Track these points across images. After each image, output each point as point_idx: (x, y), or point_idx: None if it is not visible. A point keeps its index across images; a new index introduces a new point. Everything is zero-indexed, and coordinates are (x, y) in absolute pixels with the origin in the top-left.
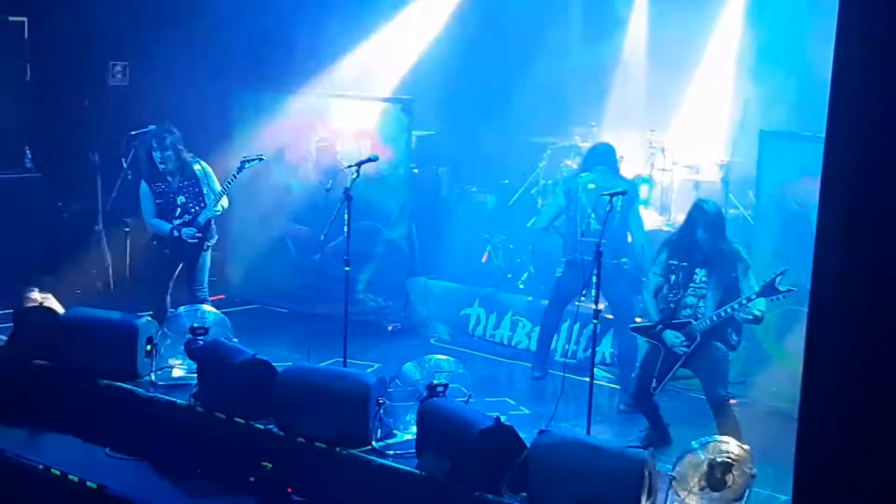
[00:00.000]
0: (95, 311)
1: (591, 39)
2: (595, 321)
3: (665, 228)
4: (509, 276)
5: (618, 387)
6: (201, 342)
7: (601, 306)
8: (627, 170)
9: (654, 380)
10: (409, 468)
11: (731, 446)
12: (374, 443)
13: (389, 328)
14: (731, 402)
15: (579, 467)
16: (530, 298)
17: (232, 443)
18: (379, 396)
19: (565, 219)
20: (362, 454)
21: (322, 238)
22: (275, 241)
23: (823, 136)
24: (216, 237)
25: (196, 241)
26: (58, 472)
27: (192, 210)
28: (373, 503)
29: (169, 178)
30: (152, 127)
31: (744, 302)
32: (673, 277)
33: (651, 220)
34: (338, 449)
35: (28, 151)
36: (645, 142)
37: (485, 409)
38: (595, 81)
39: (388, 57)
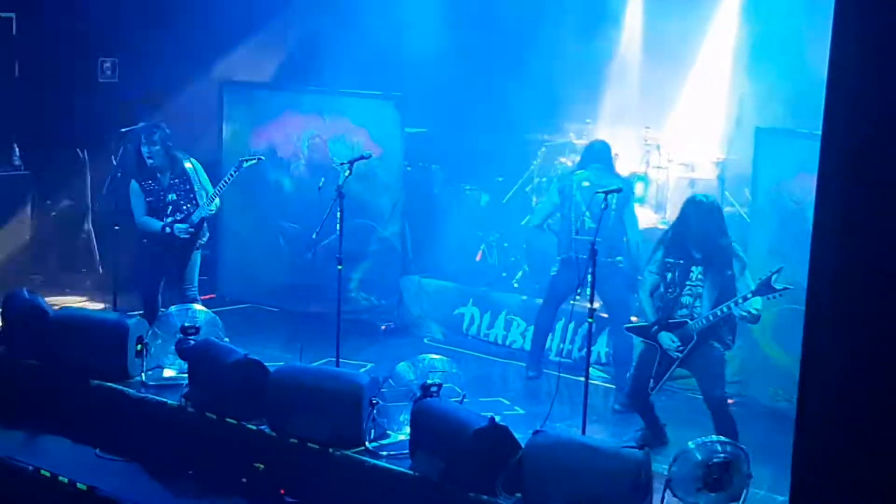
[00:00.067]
0: (85, 311)
1: (586, 35)
2: (590, 320)
3: (660, 227)
4: (503, 274)
5: (613, 386)
6: (192, 342)
7: (596, 305)
8: (622, 167)
9: (652, 380)
10: (402, 469)
11: (728, 446)
12: (367, 443)
13: (382, 327)
14: (728, 401)
15: (574, 468)
16: (525, 297)
17: (224, 444)
18: (372, 396)
19: (560, 217)
20: (355, 455)
21: (314, 236)
22: (266, 239)
23: (820, 132)
24: (208, 235)
25: (188, 236)
26: (48, 474)
27: (184, 208)
28: None
29: (159, 176)
30: (142, 124)
31: (740, 301)
32: (669, 276)
33: (646, 218)
34: (331, 450)
35: (17, 149)
36: (640, 139)
37: (479, 409)
38: (590, 78)
39: (380, 52)
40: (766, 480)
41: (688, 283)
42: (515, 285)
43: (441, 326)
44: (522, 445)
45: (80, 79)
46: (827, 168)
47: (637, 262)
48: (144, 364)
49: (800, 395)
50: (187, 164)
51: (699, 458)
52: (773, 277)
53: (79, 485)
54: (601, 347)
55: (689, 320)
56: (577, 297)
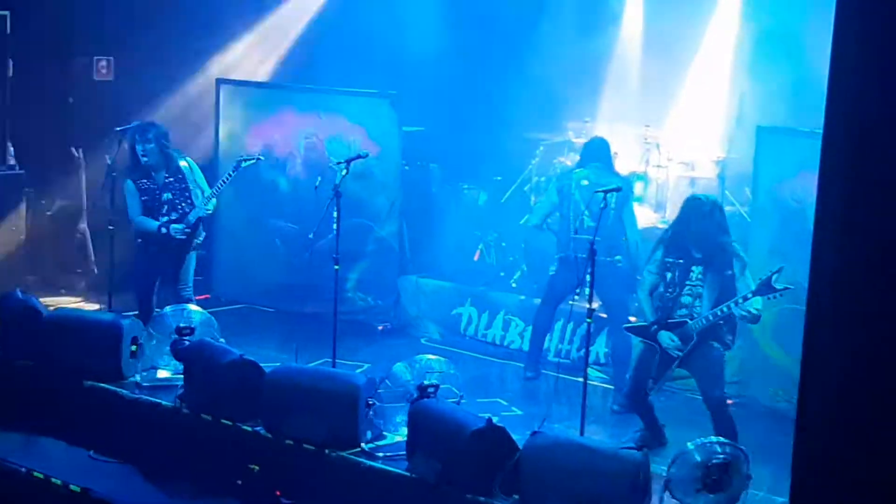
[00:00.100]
0: (79, 311)
1: (585, 33)
2: (589, 320)
3: (660, 226)
4: (502, 274)
5: (612, 387)
6: (187, 342)
7: (595, 305)
8: (622, 166)
9: (651, 380)
10: (399, 470)
11: (728, 447)
12: (363, 445)
13: (379, 328)
14: (728, 402)
15: (573, 469)
16: (523, 297)
17: (219, 445)
18: (369, 397)
19: (559, 216)
20: (352, 456)
21: (311, 236)
22: (262, 239)
23: (821, 131)
24: (204, 235)
25: (184, 236)
26: (41, 476)
27: (179, 207)
28: None
29: (154, 174)
30: (136, 122)
31: (740, 301)
32: (669, 275)
33: (646, 217)
34: (327, 451)
35: (11, 148)
36: (640, 137)
37: (476, 409)
38: (589, 76)
39: (376, 50)
40: (765, 481)
41: (687, 282)
42: (513, 285)
43: (438, 327)
44: (520, 447)
45: (75, 77)
46: (828, 167)
47: (636, 261)
48: (139, 365)
49: (800, 395)
50: (182, 163)
51: (698, 459)
52: (774, 277)
53: (72, 486)
54: (600, 348)
55: (688, 320)
56: (576, 297)
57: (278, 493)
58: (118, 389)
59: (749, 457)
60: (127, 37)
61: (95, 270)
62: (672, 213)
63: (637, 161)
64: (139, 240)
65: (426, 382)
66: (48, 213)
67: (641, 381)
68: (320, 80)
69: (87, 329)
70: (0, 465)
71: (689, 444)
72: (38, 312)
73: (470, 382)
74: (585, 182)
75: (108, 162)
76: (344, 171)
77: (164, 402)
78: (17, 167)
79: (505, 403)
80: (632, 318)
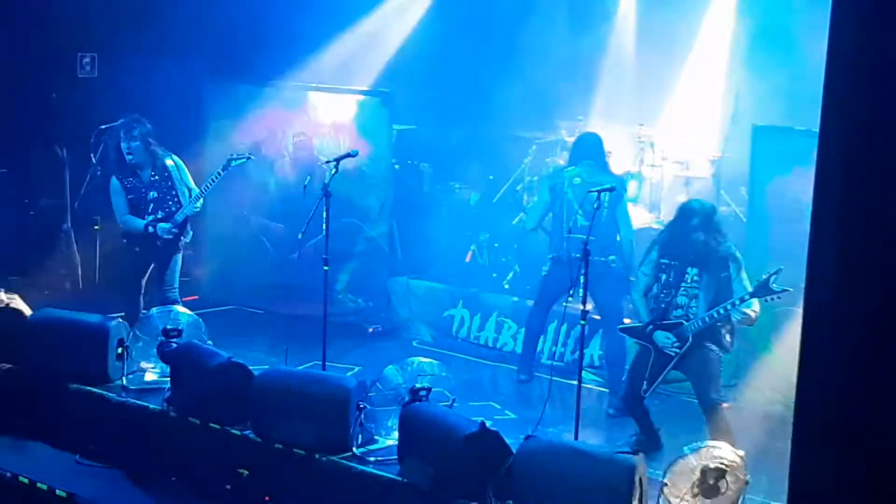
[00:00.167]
0: (64, 313)
1: (578, 30)
2: (583, 322)
3: (655, 226)
4: (494, 275)
5: (606, 390)
6: (174, 345)
7: (589, 307)
8: (616, 165)
9: (645, 382)
10: (390, 475)
11: (724, 451)
12: (354, 449)
13: (370, 330)
14: (724, 405)
15: (567, 473)
16: (516, 299)
17: (207, 449)
18: (359, 401)
19: (551, 215)
20: (342, 461)
21: (300, 236)
22: (250, 239)
23: (818, 130)
24: (191, 235)
25: (171, 236)
26: (26, 481)
27: (166, 206)
28: None
29: (139, 172)
30: (121, 120)
31: (737, 302)
32: (664, 276)
33: (640, 217)
34: (317, 455)
35: None
36: (633, 136)
37: (469, 413)
38: (582, 74)
39: (366, 48)
40: (762, 486)
41: (683, 284)
42: (506, 286)
43: (430, 329)
44: (514, 451)
45: (58, 74)
46: (825, 166)
47: (630, 261)
48: (125, 367)
49: (797, 398)
50: (169, 161)
51: (694, 463)
52: (772, 279)
53: (58, 492)
54: (594, 350)
55: (684, 321)
56: (570, 299)
57: (267, 498)
58: (104, 393)
59: (746, 461)
60: (111, 33)
61: (80, 270)
62: (667, 212)
63: (631, 160)
64: (125, 240)
65: (418, 385)
66: (31, 212)
67: (637, 384)
68: (309, 78)
69: (71, 331)
70: None
71: (685, 448)
72: (21, 314)
73: (462, 385)
74: (578, 180)
75: (93, 160)
76: (333, 171)
77: (151, 406)
78: (0, 166)
79: (498, 407)
80: (626, 320)
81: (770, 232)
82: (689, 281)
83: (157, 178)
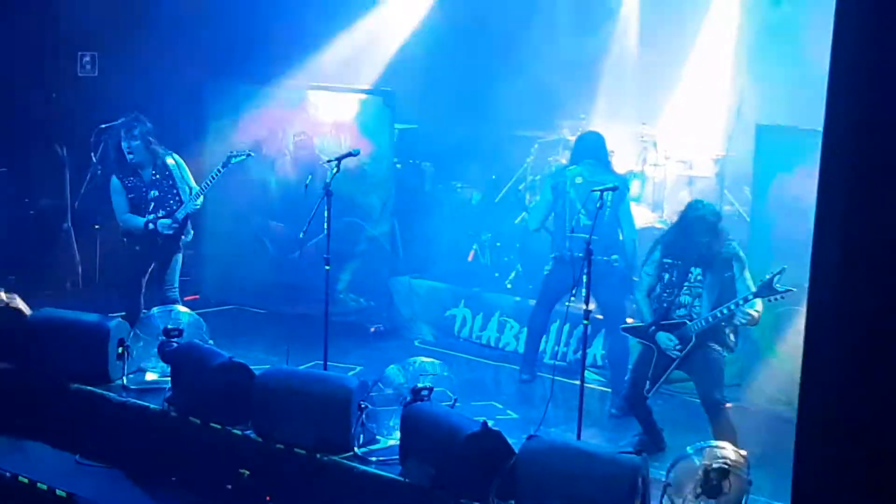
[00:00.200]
0: (64, 313)
1: (580, 29)
2: (585, 322)
3: (658, 226)
4: (496, 275)
5: (609, 390)
6: (175, 344)
7: (591, 306)
8: (618, 165)
9: (648, 382)
10: (392, 475)
11: (728, 452)
12: (356, 449)
13: (372, 329)
14: (727, 405)
15: (569, 474)
16: (518, 298)
17: (208, 449)
18: (361, 400)
19: (553, 215)
20: (344, 461)
21: (301, 236)
22: (251, 238)
23: (822, 129)
24: (192, 234)
25: (172, 231)
26: (26, 480)
27: (167, 205)
28: None
29: (140, 172)
30: (122, 119)
31: (740, 302)
32: (667, 276)
33: (643, 217)
34: (318, 455)
35: None
36: (636, 135)
37: (471, 413)
38: (584, 73)
39: (368, 47)
40: (766, 487)
41: (686, 283)
42: (508, 286)
43: (432, 328)
44: (516, 451)
45: (58, 73)
46: (829, 166)
47: (632, 260)
48: (126, 367)
49: (801, 398)
50: (169, 160)
51: (697, 463)
52: (775, 279)
53: (58, 492)
54: (597, 350)
55: (687, 321)
56: (573, 298)
57: (268, 498)
58: (105, 392)
59: (749, 461)
60: (111, 32)
61: (80, 270)
62: (670, 212)
63: (634, 159)
64: (125, 239)
65: (420, 385)
66: (31, 211)
67: (640, 384)
68: (310, 77)
69: (72, 331)
70: None
71: (688, 448)
72: (21, 313)
73: (464, 385)
74: (580, 180)
75: (93, 160)
76: (335, 170)
77: (151, 406)
78: (0, 165)
79: (500, 407)
80: (629, 320)
81: (773, 231)
82: (692, 280)
83: (157, 176)
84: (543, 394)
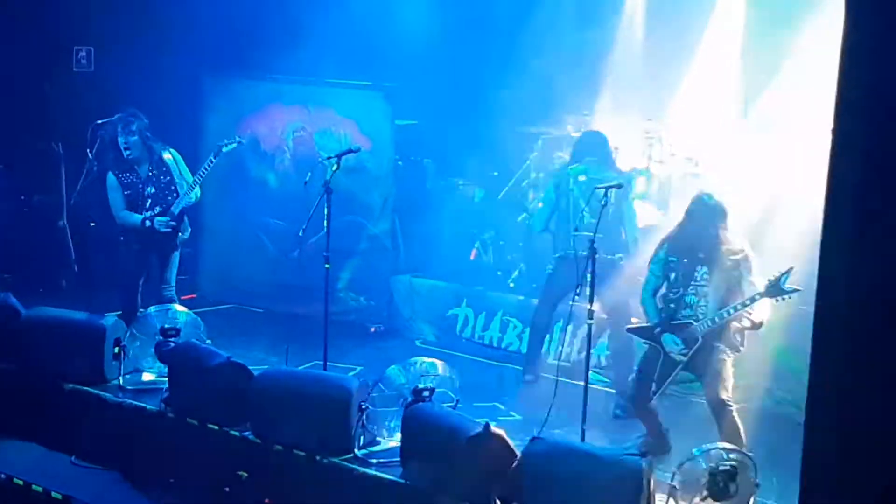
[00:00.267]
0: (60, 311)
1: (585, 23)
2: (590, 321)
3: (663, 224)
4: (499, 273)
5: (613, 391)
6: (172, 344)
7: (596, 306)
8: (623, 161)
9: (654, 383)
10: (393, 477)
11: (734, 454)
12: (356, 451)
13: (372, 329)
14: (734, 406)
15: (573, 476)
16: (521, 298)
17: (206, 451)
18: (361, 401)
19: (556, 214)
20: (344, 463)
21: (300, 234)
22: (250, 237)
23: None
24: (189, 231)
25: (170, 230)
26: (21, 482)
27: (164, 201)
28: None
29: (136, 168)
30: (119, 115)
31: (748, 302)
32: (672, 275)
33: (649, 215)
34: (318, 457)
35: None
36: (641, 131)
37: (473, 414)
38: (589, 68)
39: (368, 42)
40: (773, 489)
41: (692, 282)
42: (511, 285)
43: (433, 328)
44: (519, 453)
45: (53, 68)
46: (838, 163)
47: (635, 259)
48: (122, 367)
49: (809, 400)
50: (166, 155)
51: (704, 465)
52: (783, 279)
53: (53, 494)
54: (601, 350)
55: (693, 321)
56: (577, 297)
57: (267, 500)
58: (101, 393)
59: (756, 463)
60: (107, 26)
61: (76, 268)
62: (675, 210)
63: (639, 156)
64: (122, 236)
65: (421, 386)
66: (26, 208)
67: (645, 385)
68: (309, 72)
69: (67, 330)
70: None
71: (694, 450)
72: (16, 312)
73: (466, 386)
74: (583, 178)
75: (89, 156)
76: (335, 167)
77: (148, 406)
78: None
79: (503, 408)
80: (634, 320)
81: (781, 230)
82: (698, 280)
83: (154, 172)
84: (547, 395)
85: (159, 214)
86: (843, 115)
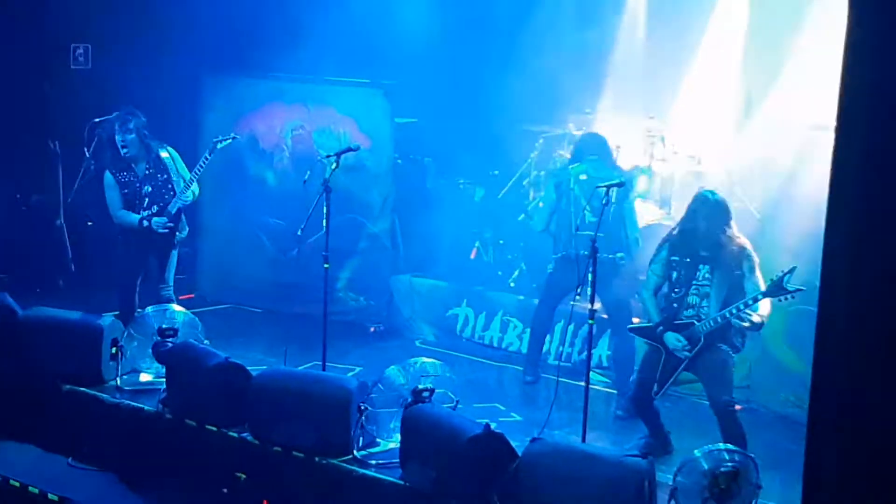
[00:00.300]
0: (56, 311)
1: (587, 21)
2: (591, 322)
3: (665, 223)
4: (499, 273)
5: (615, 391)
6: (170, 344)
7: (597, 306)
8: (625, 160)
9: (656, 384)
10: (392, 479)
11: (736, 455)
12: (355, 452)
13: (372, 329)
14: (736, 407)
15: (574, 477)
16: (522, 297)
17: (203, 452)
18: (360, 402)
19: (557, 214)
20: (343, 464)
21: (299, 233)
22: (249, 236)
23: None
24: (187, 230)
25: (167, 230)
26: (17, 484)
27: (161, 200)
28: None
29: (134, 166)
30: (116, 113)
31: (750, 302)
32: (674, 275)
33: (650, 213)
34: (317, 458)
35: None
36: (643, 130)
37: (473, 415)
38: (590, 66)
39: (367, 39)
40: (776, 491)
41: (694, 282)
42: (512, 285)
43: (433, 328)
44: (519, 454)
45: (51, 66)
46: (841, 161)
47: (637, 258)
48: (119, 368)
49: (812, 401)
50: (163, 153)
51: (706, 467)
52: (786, 278)
53: (50, 496)
54: (602, 350)
55: (695, 321)
56: (578, 297)
57: (266, 502)
58: (98, 394)
59: (759, 465)
60: (105, 24)
61: (73, 268)
62: (677, 208)
63: (641, 154)
64: (120, 236)
65: (421, 386)
66: (23, 207)
67: (647, 385)
68: (308, 70)
69: (64, 330)
70: None
71: (695, 451)
72: (12, 312)
73: (466, 386)
74: (584, 177)
75: (87, 154)
76: (334, 165)
77: (146, 407)
78: None
79: (503, 408)
80: (635, 319)
81: (784, 229)
82: (700, 279)
83: (151, 171)
84: (547, 395)
85: (157, 214)
86: (846, 114)
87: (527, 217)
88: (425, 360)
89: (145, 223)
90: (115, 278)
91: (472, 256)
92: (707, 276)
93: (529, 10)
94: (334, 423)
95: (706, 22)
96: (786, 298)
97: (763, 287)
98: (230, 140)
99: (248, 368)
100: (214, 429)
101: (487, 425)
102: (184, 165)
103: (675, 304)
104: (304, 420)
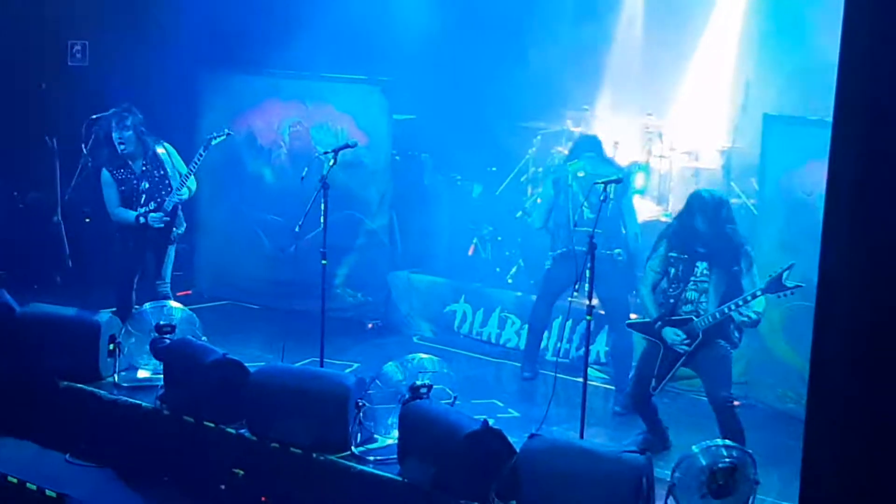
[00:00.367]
0: (54, 308)
1: (584, 17)
2: (589, 317)
3: (662, 219)
4: (497, 269)
5: (613, 387)
6: (168, 341)
7: (594, 302)
8: (623, 156)
9: (654, 379)
10: (390, 475)
11: (734, 451)
12: (353, 448)
13: (369, 325)
14: (735, 403)
15: (572, 473)
16: (520, 294)
17: (201, 448)
18: (358, 398)
19: (555, 210)
20: (341, 460)
21: (297, 229)
22: (246, 232)
23: (831, 119)
24: (184, 226)
25: (164, 226)
26: (15, 480)
27: (158, 197)
28: None
29: (131, 163)
30: (113, 110)
31: (748, 298)
32: (672, 271)
33: (648, 209)
34: (314, 455)
35: None
36: (641, 126)
37: (471, 411)
38: (588, 62)
39: (365, 36)
40: (774, 486)
41: (692, 278)
42: (510, 281)
43: (431, 324)
44: (517, 450)
45: (48, 63)
46: (838, 157)
47: (636, 254)
48: (117, 364)
49: (810, 396)
50: (160, 150)
51: (703, 463)
52: (785, 274)
53: (48, 492)
54: (600, 346)
55: (693, 317)
56: (576, 293)
57: (264, 498)
58: (95, 390)
59: (756, 461)
60: (103, 20)
61: (70, 264)
62: (675, 205)
63: (639, 151)
64: (118, 233)
65: (419, 383)
66: (21, 205)
67: (645, 381)
68: (306, 67)
69: (62, 326)
70: None
71: (693, 447)
72: (10, 309)
73: (464, 383)
74: (582, 173)
75: (84, 151)
76: (331, 162)
77: (143, 404)
78: None
79: (501, 405)
80: (633, 315)
81: (782, 224)
82: (698, 275)
83: (148, 167)
84: (545, 391)
85: (153, 210)
86: (842, 107)
87: (525, 213)
88: (423, 356)
89: (142, 220)
90: (112, 275)
91: (470, 253)
92: (705, 272)
93: (527, 7)
94: (332, 420)
95: (704, 19)
96: (784, 295)
97: (762, 283)
98: (224, 136)
99: (246, 365)
100: (212, 425)
101: (485, 421)
102: (181, 161)
103: (672, 300)
104: (301, 416)
